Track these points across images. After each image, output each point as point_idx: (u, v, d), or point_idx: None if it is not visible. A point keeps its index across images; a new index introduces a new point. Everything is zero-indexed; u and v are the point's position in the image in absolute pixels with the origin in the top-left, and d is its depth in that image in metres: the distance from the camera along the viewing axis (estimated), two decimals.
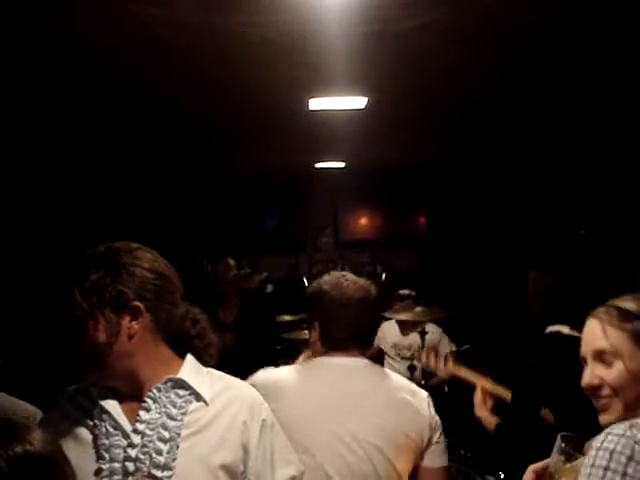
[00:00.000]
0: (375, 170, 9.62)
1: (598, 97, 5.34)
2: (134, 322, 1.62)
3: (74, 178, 7.68)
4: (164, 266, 1.70)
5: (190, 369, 1.71)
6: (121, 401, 1.65)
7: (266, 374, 2.29)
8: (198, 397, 1.67)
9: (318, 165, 9.04)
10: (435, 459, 2.22)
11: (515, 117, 6.34)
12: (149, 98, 5.18)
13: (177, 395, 1.65)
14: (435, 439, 2.22)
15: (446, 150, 8.47)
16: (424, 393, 2.30)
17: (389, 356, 6.13)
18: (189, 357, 1.74)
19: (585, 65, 4.45)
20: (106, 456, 1.59)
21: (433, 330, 5.88)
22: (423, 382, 5.47)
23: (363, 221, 11.14)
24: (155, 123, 6.22)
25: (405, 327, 6.12)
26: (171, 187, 9.69)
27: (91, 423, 1.63)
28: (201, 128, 6.54)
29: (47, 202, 7.40)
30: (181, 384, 1.67)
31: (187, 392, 1.66)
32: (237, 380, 1.82)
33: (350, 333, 2.28)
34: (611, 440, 1.34)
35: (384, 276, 9.71)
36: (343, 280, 2.34)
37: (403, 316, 5.94)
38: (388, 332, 6.24)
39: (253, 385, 1.88)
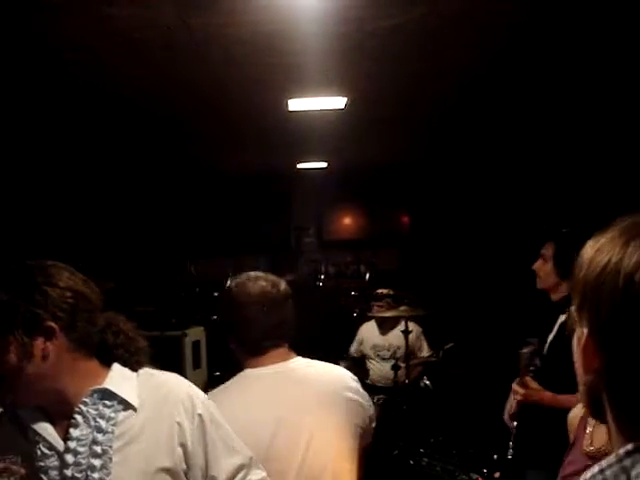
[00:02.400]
0: (357, 170, 9.63)
1: (573, 94, 5.38)
2: (48, 343, 1.56)
3: (52, 182, 7.64)
4: (80, 283, 1.64)
5: (116, 377, 1.66)
6: (53, 421, 1.60)
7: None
8: (127, 405, 1.63)
9: (300, 165, 9.04)
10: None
11: (494, 115, 6.38)
12: (128, 99, 5.16)
13: (105, 406, 1.61)
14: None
15: (428, 149, 8.50)
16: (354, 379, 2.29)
17: (370, 357, 6.14)
18: (114, 366, 1.69)
19: (559, 63, 4.48)
20: (44, 479, 1.55)
21: (414, 329, 5.89)
22: (407, 381, 5.51)
23: (346, 221, 11.13)
24: (134, 124, 6.20)
25: (384, 327, 6.13)
26: (150, 189, 9.67)
27: (27, 447, 1.59)
28: (181, 129, 6.53)
29: (32, 203, 7.36)
30: (108, 393, 1.62)
31: (115, 401, 1.62)
32: (169, 377, 1.77)
33: (263, 333, 2.20)
34: None
35: (368, 275, 9.72)
36: (247, 280, 2.25)
37: (386, 314, 5.95)
38: (368, 333, 6.27)
39: None
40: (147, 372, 1.74)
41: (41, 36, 3.55)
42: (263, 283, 2.23)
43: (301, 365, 2.25)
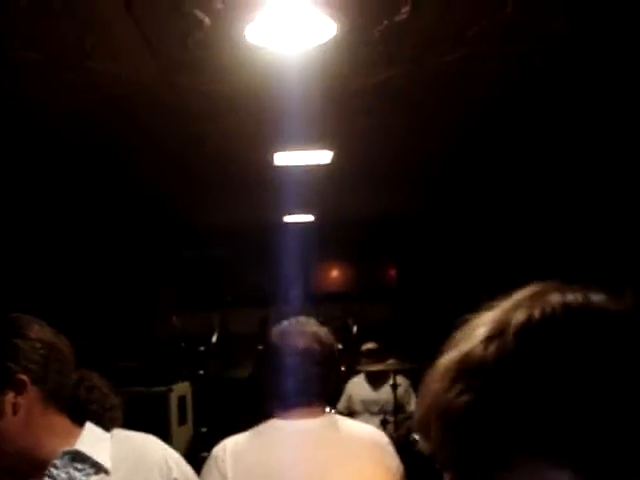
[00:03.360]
0: (345, 223, 9.65)
1: (564, 148, 5.42)
2: (19, 397, 1.51)
3: (29, 236, 7.60)
4: (50, 335, 1.60)
5: (88, 438, 1.61)
6: None
7: (227, 443, 2.16)
8: (99, 468, 1.56)
9: (287, 219, 9.05)
10: None
11: (482, 169, 6.42)
12: (110, 154, 5.17)
13: (76, 469, 1.55)
14: None
15: (415, 202, 8.53)
16: (384, 439, 2.23)
17: (358, 412, 6.05)
18: (87, 425, 1.64)
19: (547, 118, 4.53)
20: None
21: (403, 383, 5.85)
22: (395, 435, 5.43)
23: (334, 274, 11.12)
24: (116, 180, 6.20)
25: (374, 381, 6.07)
26: (133, 242, 9.64)
27: None
28: (167, 184, 6.54)
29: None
30: (79, 456, 1.56)
31: (86, 465, 1.56)
32: (145, 439, 1.72)
33: (298, 386, 2.15)
34: None
35: (355, 329, 9.66)
36: (292, 328, 2.22)
37: (373, 367, 5.94)
38: (357, 388, 6.19)
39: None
40: (121, 433, 1.69)
41: (20, 93, 3.55)
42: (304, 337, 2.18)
43: (330, 423, 2.20)
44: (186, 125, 4.31)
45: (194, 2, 2.52)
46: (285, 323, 2.27)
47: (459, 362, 0.73)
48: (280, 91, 3.59)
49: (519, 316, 0.74)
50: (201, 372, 7.98)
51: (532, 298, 0.77)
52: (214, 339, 8.68)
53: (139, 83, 3.44)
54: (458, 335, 0.82)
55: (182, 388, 6.52)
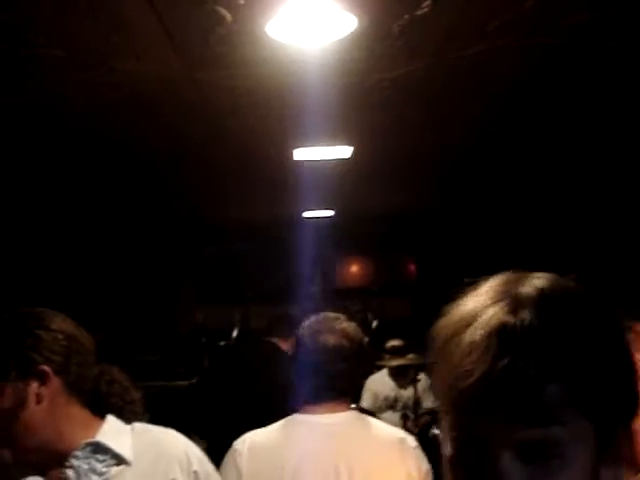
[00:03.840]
0: (364, 218, 9.65)
1: (583, 139, 5.40)
2: (42, 387, 1.54)
3: (53, 232, 7.67)
4: (72, 327, 1.63)
5: (109, 429, 1.63)
6: (45, 474, 1.57)
7: (248, 436, 2.20)
8: (120, 459, 1.59)
9: (307, 214, 9.07)
10: None
11: (501, 163, 6.40)
12: (133, 152, 5.22)
13: (97, 460, 1.57)
14: None
15: (435, 196, 8.53)
16: (412, 443, 2.23)
17: (381, 409, 6.02)
18: (109, 417, 1.67)
19: (567, 112, 4.52)
20: None
21: (423, 378, 5.83)
22: (415, 430, 5.42)
23: (354, 269, 11.13)
24: (139, 177, 6.26)
25: (398, 378, 6.02)
26: (158, 238, 9.69)
27: None
28: (189, 180, 6.58)
29: (31, 253, 7.38)
30: (100, 447, 1.58)
31: (107, 455, 1.58)
32: (165, 432, 1.74)
33: (326, 382, 2.19)
34: None
35: (375, 324, 9.66)
36: (321, 326, 2.26)
37: (393, 362, 5.90)
38: (380, 385, 6.14)
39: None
40: (142, 426, 1.71)
41: (46, 91, 3.59)
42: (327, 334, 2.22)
43: (356, 419, 2.23)
44: (208, 121, 4.34)
45: None
46: (313, 319, 2.31)
47: (489, 333, 0.82)
48: (300, 86, 3.61)
49: (528, 290, 0.87)
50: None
51: (519, 279, 0.92)
52: (235, 334, 8.72)
53: (162, 80, 3.47)
54: (458, 311, 0.94)
55: None
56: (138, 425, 1.71)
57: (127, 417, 1.72)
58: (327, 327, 2.25)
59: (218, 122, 4.36)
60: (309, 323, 2.31)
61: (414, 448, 2.21)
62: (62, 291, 6.89)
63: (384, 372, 6.18)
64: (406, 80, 3.59)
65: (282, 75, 3.43)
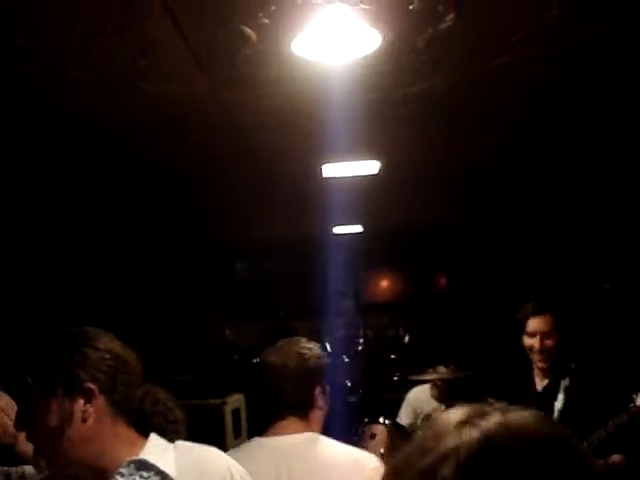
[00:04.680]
0: (393, 232, 9.64)
1: (609, 153, 5.36)
2: (88, 405, 1.56)
3: (84, 253, 7.75)
4: (119, 347, 1.66)
5: (153, 448, 1.65)
6: None
7: None
8: (164, 476, 1.60)
9: (336, 230, 9.08)
10: None
11: (530, 176, 6.37)
12: (164, 174, 5.28)
13: (142, 477, 1.59)
14: None
15: (463, 210, 8.50)
16: (369, 464, 2.17)
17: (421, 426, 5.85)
18: (152, 436, 1.69)
19: (593, 122, 4.49)
20: None
21: None
22: None
23: (384, 284, 11.09)
24: (172, 196, 6.32)
25: (440, 393, 5.82)
26: (189, 256, 9.75)
27: None
28: (219, 199, 6.63)
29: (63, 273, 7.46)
30: (145, 465, 1.59)
31: (152, 472, 1.59)
32: (208, 450, 1.75)
33: (272, 403, 2.23)
34: None
35: (407, 338, 9.63)
36: (276, 347, 2.29)
37: (424, 377, 5.84)
38: (419, 401, 5.92)
39: None
40: (185, 445, 1.72)
41: (76, 114, 3.65)
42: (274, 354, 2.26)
43: (308, 441, 2.21)
44: (235, 140, 4.38)
45: (241, 18, 2.58)
46: (279, 343, 2.34)
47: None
48: (326, 103, 3.63)
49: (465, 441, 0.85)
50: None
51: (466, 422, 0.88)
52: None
53: (190, 101, 3.52)
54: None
55: (236, 400, 6.56)
56: (181, 443, 1.73)
57: (170, 436, 1.74)
58: (279, 347, 2.29)
59: (245, 141, 4.40)
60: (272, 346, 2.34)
61: (370, 469, 2.15)
62: (94, 312, 6.96)
63: (426, 388, 6.00)
64: (430, 94, 3.60)
65: (308, 92, 3.46)
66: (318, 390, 2.30)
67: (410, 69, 3.23)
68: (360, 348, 9.23)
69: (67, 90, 3.29)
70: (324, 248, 10.01)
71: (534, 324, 3.59)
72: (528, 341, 3.60)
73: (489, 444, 0.83)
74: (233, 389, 6.88)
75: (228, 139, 4.37)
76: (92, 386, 1.57)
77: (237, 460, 2.09)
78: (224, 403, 6.30)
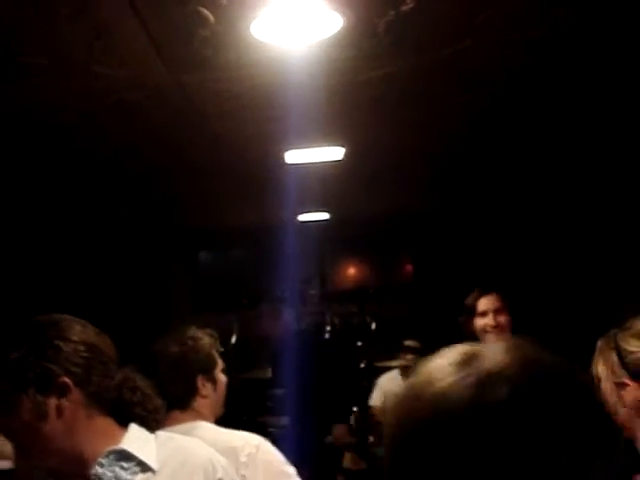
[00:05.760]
0: (360, 220, 9.62)
1: (575, 138, 5.36)
2: (63, 400, 1.52)
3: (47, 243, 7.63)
4: (93, 335, 1.61)
5: (133, 438, 1.62)
6: None
7: None
8: (145, 467, 1.57)
9: (301, 217, 9.02)
10: None
11: (496, 162, 6.36)
12: (122, 160, 5.17)
13: (122, 468, 1.55)
14: None
15: (430, 197, 8.49)
16: (246, 447, 2.18)
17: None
18: (132, 425, 1.65)
19: (557, 106, 4.48)
20: None
21: None
22: None
23: (350, 271, 11.10)
24: (130, 183, 6.21)
25: (408, 375, 6.00)
26: (150, 246, 9.66)
27: None
28: (180, 186, 6.54)
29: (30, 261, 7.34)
30: (125, 455, 1.56)
31: (132, 463, 1.56)
32: (190, 440, 1.75)
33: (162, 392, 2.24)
34: None
35: (374, 326, 9.64)
36: (166, 338, 2.33)
37: (388, 363, 5.96)
38: (391, 383, 6.12)
39: None
40: (166, 435, 1.70)
41: (31, 99, 3.55)
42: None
43: (187, 430, 2.19)
44: (196, 126, 4.30)
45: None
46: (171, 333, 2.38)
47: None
48: (288, 87, 3.57)
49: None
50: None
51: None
52: (233, 340, 8.72)
53: (148, 85, 3.44)
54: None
55: None
56: (162, 433, 1.70)
57: (150, 426, 1.71)
58: (170, 336, 2.35)
59: (207, 126, 4.32)
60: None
61: (253, 447, 2.18)
62: (54, 304, 6.84)
63: (395, 372, 6.23)
64: (395, 78, 3.56)
65: (269, 76, 3.40)
66: (201, 379, 2.30)
67: (372, 53, 3.18)
68: (327, 336, 9.22)
69: (20, 76, 3.19)
70: (290, 236, 9.97)
71: (484, 304, 3.63)
72: (480, 322, 3.62)
73: (530, 365, 0.82)
74: None
75: (189, 125, 4.29)
76: (66, 380, 1.53)
77: None
78: None
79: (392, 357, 6.49)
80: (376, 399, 6.16)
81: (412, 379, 0.91)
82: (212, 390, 2.34)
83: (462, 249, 9.66)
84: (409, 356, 6.06)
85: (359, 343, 9.15)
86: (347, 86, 3.64)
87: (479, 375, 0.81)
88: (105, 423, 1.61)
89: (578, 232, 7.51)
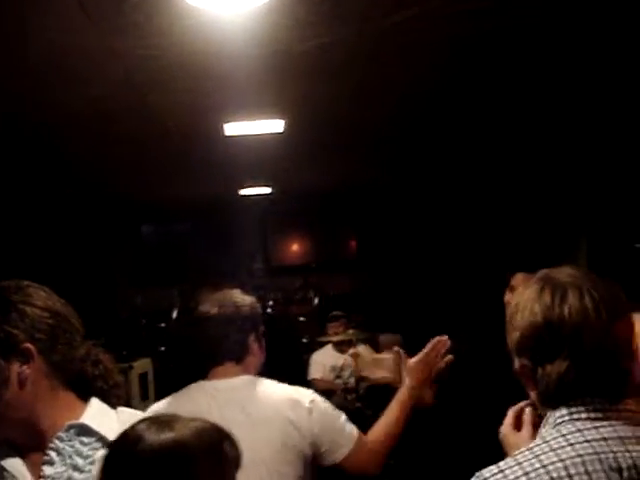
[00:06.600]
0: (303, 194, 9.58)
1: (520, 109, 5.35)
2: (25, 366, 1.46)
3: None
4: (59, 304, 1.56)
5: (94, 412, 1.56)
6: (24, 455, 1.49)
7: (153, 407, 2.35)
8: (105, 443, 1.50)
9: (243, 192, 8.93)
10: (336, 453, 2.29)
11: (439, 135, 6.35)
12: (57, 132, 5.02)
13: (82, 443, 1.50)
14: (324, 443, 2.27)
15: (373, 173, 8.47)
16: (305, 401, 2.30)
17: (330, 381, 6.11)
18: (93, 400, 1.59)
19: (503, 78, 4.46)
20: None
21: (364, 352, 5.88)
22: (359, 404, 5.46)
23: (294, 246, 11.07)
24: (67, 158, 6.05)
25: (341, 348, 6.15)
26: (93, 221, 9.50)
27: None
28: (120, 159, 6.39)
29: None
30: (85, 430, 1.51)
31: (93, 438, 1.51)
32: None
33: (211, 348, 2.37)
34: None
35: (317, 300, 9.66)
36: (214, 298, 2.43)
37: (334, 338, 6.06)
38: (324, 357, 6.31)
39: None
40: (128, 411, 1.65)
41: None
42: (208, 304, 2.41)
43: (243, 384, 2.35)
44: (132, 95, 4.18)
45: None
46: (215, 294, 2.49)
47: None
48: (223, 56, 3.49)
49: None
50: (162, 348, 7.97)
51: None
52: (174, 315, 8.67)
53: (81, 53, 3.32)
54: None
55: (143, 364, 6.49)
56: (123, 409, 1.65)
57: (111, 401, 1.65)
58: (214, 298, 2.44)
59: (143, 96, 4.21)
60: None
61: (308, 402, 2.30)
62: None
63: (329, 346, 6.38)
64: (334, 48, 3.50)
65: (204, 44, 3.31)
66: (253, 337, 2.42)
67: (311, 21, 3.12)
68: (269, 310, 9.20)
69: None
70: (232, 210, 9.89)
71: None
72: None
73: None
74: (141, 354, 6.82)
75: (124, 94, 4.17)
76: (30, 347, 1.46)
77: (178, 400, 2.32)
78: (130, 367, 6.21)
79: (323, 328, 6.66)
80: (314, 372, 6.26)
81: None
82: (259, 350, 2.47)
83: (405, 224, 9.71)
84: (340, 327, 6.27)
85: (301, 318, 9.17)
86: (284, 56, 3.57)
87: None
88: (67, 396, 1.55)
89: (522, 208, 7.61)
